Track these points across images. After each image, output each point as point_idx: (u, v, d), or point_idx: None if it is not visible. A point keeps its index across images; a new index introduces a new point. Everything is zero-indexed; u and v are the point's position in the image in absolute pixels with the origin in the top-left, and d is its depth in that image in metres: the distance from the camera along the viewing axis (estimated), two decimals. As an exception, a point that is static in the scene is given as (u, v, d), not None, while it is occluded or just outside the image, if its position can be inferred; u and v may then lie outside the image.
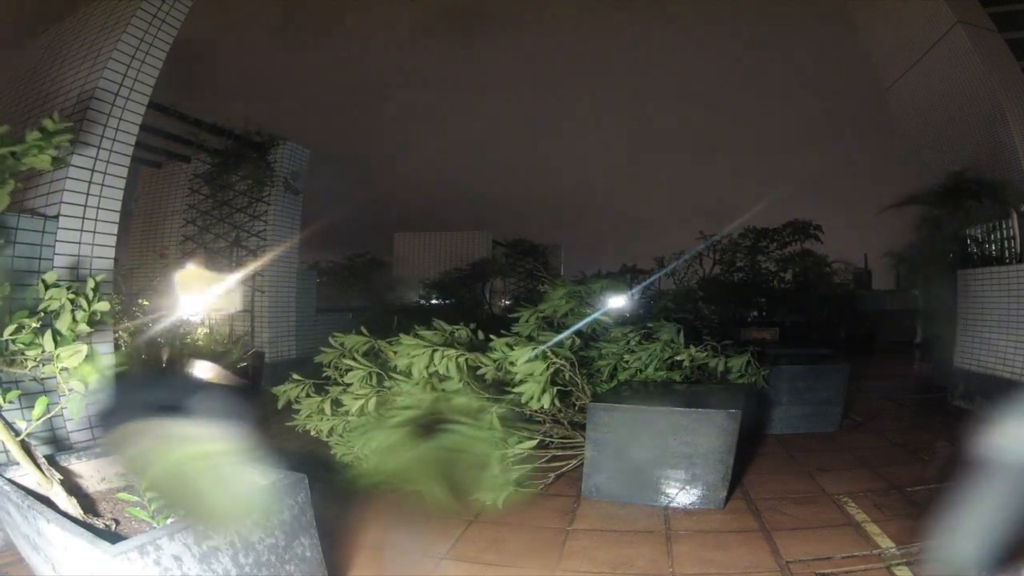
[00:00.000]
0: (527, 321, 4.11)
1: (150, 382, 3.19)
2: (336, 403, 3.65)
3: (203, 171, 6.75)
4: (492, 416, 3.21)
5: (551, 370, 3.36)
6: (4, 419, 2.05)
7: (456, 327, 3.78)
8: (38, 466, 2.11)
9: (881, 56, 8.63)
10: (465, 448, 3.18)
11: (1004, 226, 6.31)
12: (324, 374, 3.93)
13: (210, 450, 1.89)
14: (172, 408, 2.07)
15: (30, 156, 2.02)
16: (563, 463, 3.55)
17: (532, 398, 3.30)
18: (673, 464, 3.12)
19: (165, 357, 3.80)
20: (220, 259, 6.61)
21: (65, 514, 2.04)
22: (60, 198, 2.99)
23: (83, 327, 2.10)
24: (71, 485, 2.38)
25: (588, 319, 4.21)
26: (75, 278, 2.95)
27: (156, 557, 1.75)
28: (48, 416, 2.07)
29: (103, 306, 2.19)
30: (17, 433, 2.06)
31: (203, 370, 3.45)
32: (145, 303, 4.37)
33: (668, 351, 4.14)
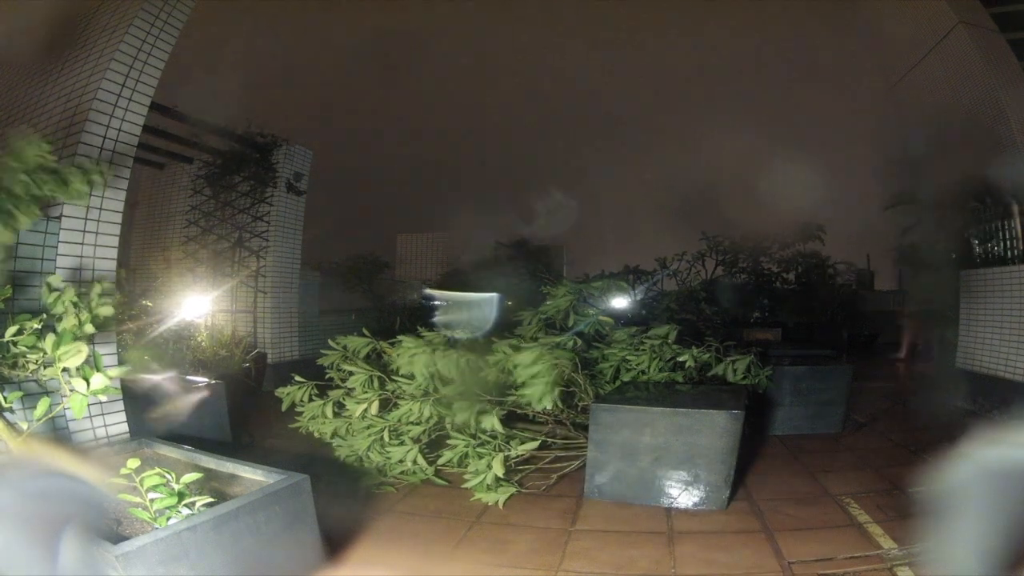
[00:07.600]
0: (529, 323, 4.11)
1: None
2: (338, 405, 3.65)
3: (206, 172, 6.76)
4: (494, 418, 3.21)
5: (555, 372, 3.36)
6: (6, 419, 2.05)
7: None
8: (41, 466, 2.11)
9: (883, 56, 8.62)
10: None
11: (1006, 227, 6.28)
12: (327, 375, 3.93)
13: None
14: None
15: (63, 190, 2.04)
16: (565, 464, 3.55)
17: (536, 400, 3.30)
18: (675, 465, 3.11)
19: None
20: (223, 260, 6.62)
21: (68, 514, 2.04)
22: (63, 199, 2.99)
23: (88, 328, 2.11)
24: (73, 485, 2.38)
25: (590, 320, 4.21)
26: (77, 279, 2.95)
27: (158, 557, 1.75)
28: (50, 416, 2.07)
29: (106, 310, 2.20)
30: (19, 433, 2.07)
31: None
32: (148, 304, 4.37)
33: (669, 350, 4.13)
